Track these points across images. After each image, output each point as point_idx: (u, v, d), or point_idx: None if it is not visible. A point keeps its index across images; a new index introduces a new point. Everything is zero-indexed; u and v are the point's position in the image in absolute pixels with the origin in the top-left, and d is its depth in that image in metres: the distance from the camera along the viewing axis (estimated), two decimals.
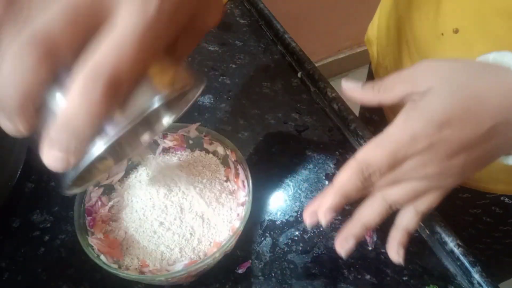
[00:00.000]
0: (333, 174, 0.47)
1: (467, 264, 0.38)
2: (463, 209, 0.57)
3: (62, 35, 0.20)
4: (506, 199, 0.51)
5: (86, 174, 0.30)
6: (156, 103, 0.22)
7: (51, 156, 0.22)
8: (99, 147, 0.22)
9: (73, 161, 0.22)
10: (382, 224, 0.43)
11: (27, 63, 0.20)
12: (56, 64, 0.21)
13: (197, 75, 0.26)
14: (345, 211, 0.44)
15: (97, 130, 0.22)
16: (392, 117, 0.60)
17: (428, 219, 0.42)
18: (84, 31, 0.21)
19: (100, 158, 0.30)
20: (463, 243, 0.39)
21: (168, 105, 0.31)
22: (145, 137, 0.32)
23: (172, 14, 0.22)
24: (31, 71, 0.20)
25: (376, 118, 0.65)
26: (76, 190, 0.29)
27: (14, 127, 0.22)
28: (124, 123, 0.22)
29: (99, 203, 0.39)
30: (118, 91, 0.21)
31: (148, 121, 0.32)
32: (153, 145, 0.43)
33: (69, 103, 0.20)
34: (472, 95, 0.27)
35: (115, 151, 0.32)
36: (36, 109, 0.22)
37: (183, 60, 0.30)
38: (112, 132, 0.22)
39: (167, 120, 0.31)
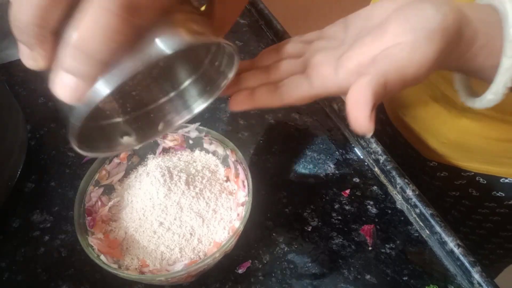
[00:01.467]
0: (333, 174, 0.47)
1: (467, 264, 0.38)
2: (443, 190, 0.58)
3: None
4: (481, 179, 0.53)
5: (103, 136, 0.29)
6: (178, 45, 0.21)
7: (62, 82, 0.21)
8: (111, 82, 0.21)
9: (84, 88, 0.21)
10: (382, 224, 0.43)
11: None
12: None
13: (226, 40, 0.25)
14: (344, 210, 0.44)
15: (112, 57, 0.20)
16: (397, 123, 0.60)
17: (428, 219, 0.42)
18: None
19: (120, 128, 0.29)
20: (462, 243, 0.39)
21: (200, 83, 0.30)
22: (170, 122, 0.32)
23: None
24: None
25: (382, 116, 0.66)
26: (88, 152, 0.27)
27: (32, 55, 0.21)
28: (140, 59, 0.21)
29: (99, 203, 0.39)
30: (136, 15, 0.20)
31: (178, 95, 0.31)
32: (153, 145, 0.43)
33: (83, 23, 0.19)
34: None
35: (139, 124, 0.31)
36: (54, 38, 0.20)
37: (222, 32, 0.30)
38: (127, 68, 0.21)
39: (198, 104, 0.31)
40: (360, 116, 0.25)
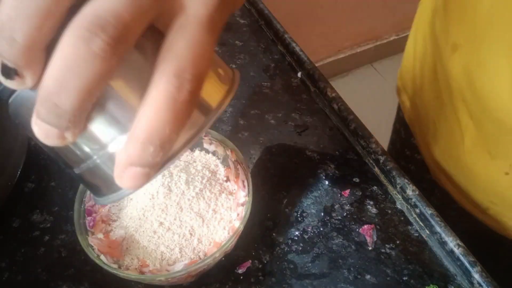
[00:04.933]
0: (333, 174, 0.47)
1: (467, 264, 0.38)
2: None
3: (131, 17, 0.17)
4: None
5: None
6: (218, 110, 0.21)
7: (131, 173, 0.19)
8: (167, 164, 0.20)
9: (154, 175, 0.20)
10: (382, 223, 0.43)
11: (94, 49, 0.16)
12: (125, 52, 0.17)
13: (231, 68, 0.24)
14: (344, 210, 0.44)
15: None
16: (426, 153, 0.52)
17: (428, 219, 0.42)
18: (152, 15, 0.18)
19: None
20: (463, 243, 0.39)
21: None
22: None
23: None
24: (100, 60, 0.16)
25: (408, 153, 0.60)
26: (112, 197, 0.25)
27: (60, 133, 0.19)
28: (191, 134, 0.20)
29: None
30: (199, 94, 0.19)
31: None
32: None
33: (152, 112, 0.18)
34: None
35: None
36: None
37: None
38: (177, 147, 0.20)
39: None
40: None
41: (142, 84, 0.19)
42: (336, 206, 0.44)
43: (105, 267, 0.33)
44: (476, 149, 0.43)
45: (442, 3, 0.43)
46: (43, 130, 0.19)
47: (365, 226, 0.43)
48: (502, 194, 0.43)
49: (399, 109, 0.61)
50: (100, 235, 0.37)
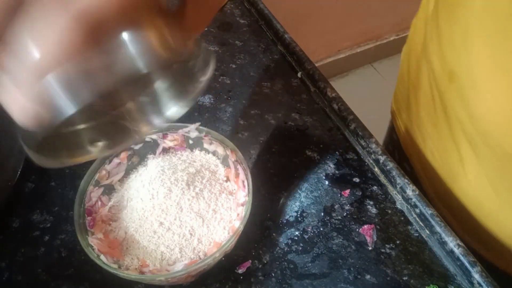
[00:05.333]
0: (333, 174, 0.47)
1: (467, 264, 0.38)
2: None
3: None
4: None
5: (65, 143, 0.27)
6: (149, 62, 0.20)
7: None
8: (78, 101, 0.19)
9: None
10: (382, 223, 0.43)
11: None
12: None
13: (206, 48, 0.24)
14: (344, 210, 0.44)
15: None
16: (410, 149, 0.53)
17: (428, 219, 0.42)
18: None
19: (86, 135, 0.27)
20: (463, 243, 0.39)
21: (174, 89, 0.28)
22: (145, 128, 0.29)
23: None
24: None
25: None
26: (50, 162, 0.24)
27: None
28: (108, 81, 0.19)
29: (99, 203, 0.39)
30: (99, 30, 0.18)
31: (150, 104, 0.29)
32: (153, 145, 0.43)
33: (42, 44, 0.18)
34: None
35: (107, 130, 0.29)
36: None
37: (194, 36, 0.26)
38: (93, 90, 0.19)
39: (175, 110, 0.27)
40: None
41: None
42: (336, 206, 0.44)
43: (105, 267, 0.33)
44: (479, 183, 0.40)
45: (435, 27, 0.39)
46: None
47: (365, 226, 0.43)
48: (510, 230, 0.41)
49: (393, 131, 0.59)
50: (100, 235, 0.37)
